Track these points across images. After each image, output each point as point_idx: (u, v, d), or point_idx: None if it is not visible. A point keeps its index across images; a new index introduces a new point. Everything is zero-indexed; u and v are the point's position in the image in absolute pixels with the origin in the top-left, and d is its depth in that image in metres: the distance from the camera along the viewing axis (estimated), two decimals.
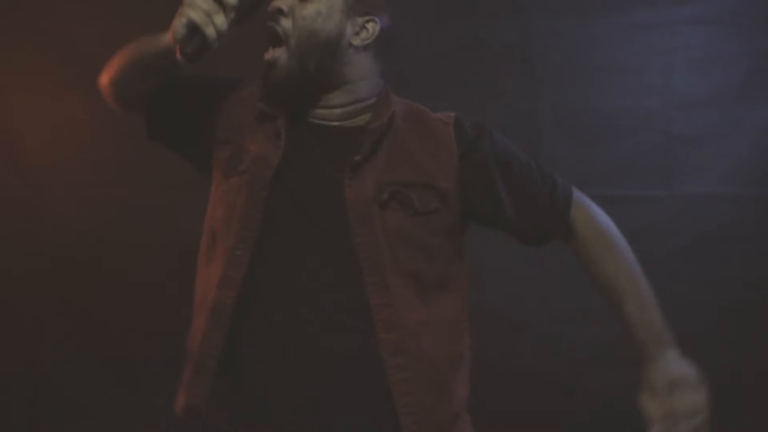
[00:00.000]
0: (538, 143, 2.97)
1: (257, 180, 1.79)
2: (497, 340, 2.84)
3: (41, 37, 3.07)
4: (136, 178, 3.09)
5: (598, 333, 2.95)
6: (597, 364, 2.96)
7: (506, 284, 2.96)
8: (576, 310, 2.94)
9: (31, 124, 3.10)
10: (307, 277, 1.75)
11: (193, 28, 1.74)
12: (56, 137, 3.10)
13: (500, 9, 2.98)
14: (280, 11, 1.79)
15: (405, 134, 1.85)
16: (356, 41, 1.82)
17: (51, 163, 3.10)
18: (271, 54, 1.82)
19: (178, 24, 1.75)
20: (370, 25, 1.84)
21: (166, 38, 1.81)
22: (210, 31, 1.74)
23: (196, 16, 1.73)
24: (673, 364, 1.93)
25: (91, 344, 3.09)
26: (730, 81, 2.93)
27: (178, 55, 1.74)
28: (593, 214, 2.03)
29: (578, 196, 2.02)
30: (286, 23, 1.80)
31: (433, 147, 1.83)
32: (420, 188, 1.79)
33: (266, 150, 1.81)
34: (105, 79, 2.08)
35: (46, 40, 3.07)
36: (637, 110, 2.96)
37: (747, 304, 2.92)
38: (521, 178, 1.89)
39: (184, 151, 2.03)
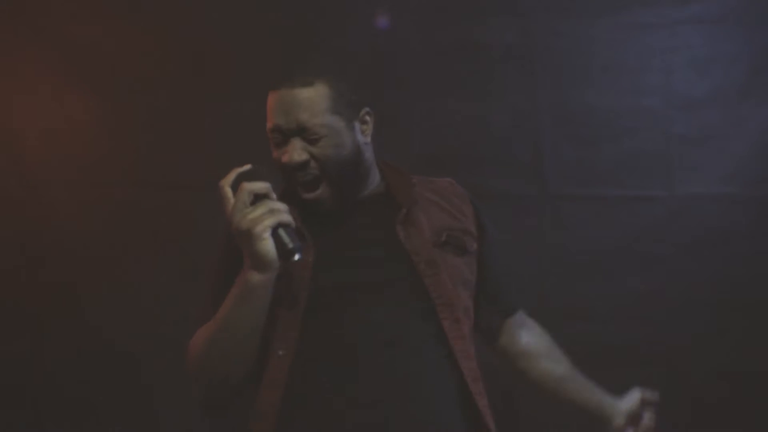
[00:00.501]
0: (538, 143, 2.97)
1: (297, 281, 1.85)
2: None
3: (41, 37, 3.07)
4: (136, 178, 3.09)
5: (598, 333, 2.95)
6: (597, 364, 2.96)
7: None
8: (576, 310, 2.94)
9: (31, 124, 3.10)
10: (373, 330, 1.82)
11: (273, 232, 1.73)
12: (56, 137, 3.09)
13: (500, 9, 2.98)
14: (305, 164, 1.88)
15: (425, 191, 2.04)
16: (367, 138, 1.96)
17: (51, 163, 3.10)
18: (313, 195, 1.90)
19: (263, 245, 1.72)
20: (367, 117, 1.97)
21: (250, 288, 1.76)
22: (288, 218, 1.75)
23: (269, 221, 1.72)
24: (624, 398, 2.17)
25: (91, 344, 3.09)
26: (730, 81, 2.92)
27: (290, 258, 1.74)
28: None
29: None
30: (314, 168, 1.88)
31: (453, 201, 2.04)
32: (461, 232, 2.00)
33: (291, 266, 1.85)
34: (204, 404, 1.98)
35: (46, 40, 3.07)
36: (637, 110, 2.96)
37: (747, 304, 2.92)
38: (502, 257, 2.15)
39: None
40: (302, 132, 1.86)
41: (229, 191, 1.77)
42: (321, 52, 1.96)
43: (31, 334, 3.12)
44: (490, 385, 2.03)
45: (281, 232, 1.72)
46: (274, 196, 1.76)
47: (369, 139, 1.96)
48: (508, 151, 2.98)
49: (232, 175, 1.78)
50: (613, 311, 2.95)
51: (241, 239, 1.73)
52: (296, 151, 1.85)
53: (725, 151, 2.92)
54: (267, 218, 1.71)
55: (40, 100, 3.09)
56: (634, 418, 2.02)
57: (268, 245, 1.71)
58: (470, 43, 2.99)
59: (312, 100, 1.86)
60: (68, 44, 3.07)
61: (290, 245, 1.72)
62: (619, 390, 2.94)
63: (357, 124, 1.92)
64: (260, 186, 1.75)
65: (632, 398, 2.05)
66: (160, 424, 3.09)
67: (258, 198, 1.74)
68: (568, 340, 2.92)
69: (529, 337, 2.16)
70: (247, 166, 1.79)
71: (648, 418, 2.03)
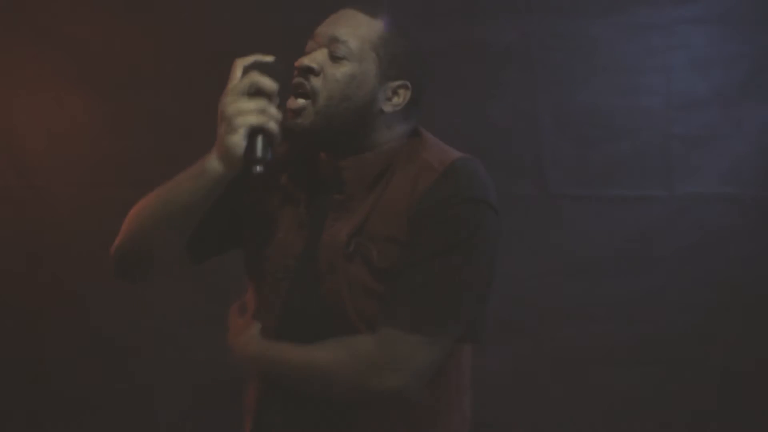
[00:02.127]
0: (538, 143, 2.97)
1: (280, 269, 1.76)
2: (497, 340, 2.84)
3: (41, 37, 3.07)
4: (136, 178, 3.09)
5: (598, 333, 2.95)
6: (597, 364, 2.96)
7: (506, 284, 2.95)
8: (576, 310, 2.94)
9: (32, 125, 3.10)
10: (304, 329, 1.73)
11: (253, 133, 1.62)
12: (56, 137, 3.10)
13: (500, 9, 2.98)
14: (311, 70, 1.70)
15: (395, 181, 1.72)
16: (387, 107, 1.72)
17: (51, 163, 3.10)
18: (294, 103, 1.70)
19: (235, 138, 1.62)
20: (401, 91, 1.73)
21: (204, 170, 1.68)
22: (272, 126, 1.62)
23: (253, 119, 1.62)
24: None
25: (92, 344, 3.09)
26: (730, 81, 2.92)
27: (257, 167, 1.61)
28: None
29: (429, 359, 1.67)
30: (316, 81, 1.69)
31: (407, 194, 1.68)
32: (384, 242, 1.67)
33: (289, 238, 1.76)
34: (116, 251, 1.84)
35: (46, 41, 3.07)
36: (637, 110, 2.96)
37: (747, 304, 2.92)
38: (420, 274, 1.64)
39: (228, 250, 1.91)
40: (331, 44, 1.70)
41: (239, 72, 1.67)
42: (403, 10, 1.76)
43: (31, 334, 3.12)
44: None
45: (259, 138, 1.62)
46: (276, 100, 1.65)
47: (390, 110, 1.72)
48: (508, 151, 2.97)
49: (251, 59, 1.69)
50: (613, 311, 2.95)
51: (221, 122, 1.66)
52: (313, 57, 1.70)
53: (725, 151, 2.92)
54: (253, 115, 1.61)
55: (41, 101, 3.10)
56: None
57: (238, 141, 1.62)
58: (470, 43, 2.99)
59: (362, 25, 1.71)
60: (69, 44, 3.07)
61: (258, 154, 1.61)
62: (620, 390, 2.95)
63: (390, 84, 1.71)
64: (266, 83, 1.64)
65: None
66: (160, 424, 3.09)
67: (259, 93, 1.64)
68: (568, 340, 2.94)
69: None
70: (270, 58, 1.69)
71: None
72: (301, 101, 1.70)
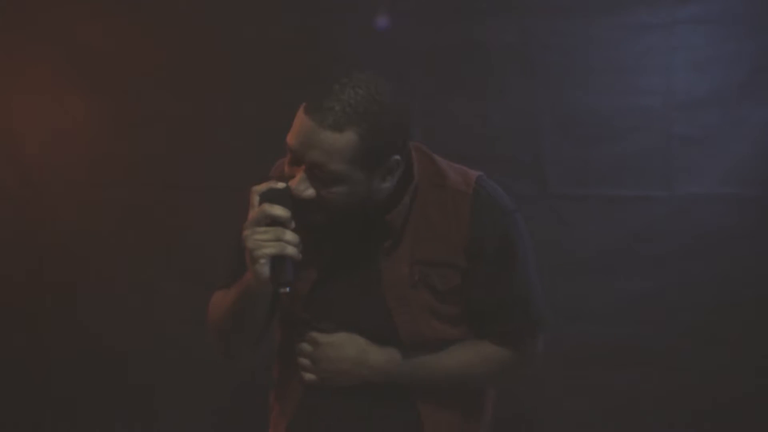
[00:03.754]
0: (538, 143, 2.97)
1: (294, 294, 1.87)
2: None
3: (41, 37, 3.07)
4: (136, 178, 3.09)
5: (598, 333, 2.95)
6: (597, 364, 2.96)
7: None
8: (576, 310, 2.94)
9: (32, 124, 3.10)
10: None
11: (275, 259, 1.74)
12: (56, 137, 3.10)
13: (500, 9, 2.97)
14: (310, 201, 1.77)
15: (428, 203, 1.88)
16: (387, 183, 1.81)
17: (51, 163, 3.10)
18: (312, 220, 1.80)
19: (258, 267, 1.74)
20: (394, 165, 1.80)
21: (246, 288, 1.82)
22: (291, 251, 1.74)
23: (270, 250, 1.73)
24: None
25: (91, 344, 3.09)
26: (730, 81, 2.92)
27: (279, 288, 1.77)
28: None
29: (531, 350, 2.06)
30: (319, 203, 1.77)
31: (450, 220, 1.87)
32: (441, 266, 1.87)
33: (306, 268, 1.86)
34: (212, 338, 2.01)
35: (46, 40, 3.07)
36: (637, 110, 2.96)
37: (747, 304, 2.92)
38: (500, 286, 1.93)
39: None
40: (316, 168, 1.74)
41: (256, 200, 1.76)
42: (363, 87, 1.73)
43: (30, 334, 3.12)
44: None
45: (281, 261, 1.74)
46: (292, 225, 1.74)
47: (394, 181, 1.82)
48: (508, 151, 2.97)
49: (264, 186, 1.77)
50: (613, 311, 2.95)
51: (246, 253, 1.76)
52: (304, 186, 1.75)
53: (725, 151, 2.92)
54: (271, 246, 1.72)
55: (41, 101, 3.10)
56: None
57: (262, 269, 1.73)
58: (470, 43, 2.99)
59: (335, 147, 1.70)
60: (68, 44, 3.07)
61: (281, 278, 1.74)
62: (620, 390, 2.95)
63: (381, 171, 1.78)
64: (279, 211, 1.73)
65: None
66: (160, 424, 3.09)
67: (275, 222, 1.73)
68: (568, 340, 2.93)
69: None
70: (282, 185, 1.76)
71: None
72: (314, 219, 1.80)
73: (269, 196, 1.75)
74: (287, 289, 1.75)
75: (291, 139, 1.75)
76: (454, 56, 2.99)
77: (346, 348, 1.88)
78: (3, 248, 3.11)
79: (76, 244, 3.09)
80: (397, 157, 1.78)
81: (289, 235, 1.73)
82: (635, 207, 2.95)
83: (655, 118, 2.94)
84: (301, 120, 1.73)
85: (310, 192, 1.75)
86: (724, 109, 2.92)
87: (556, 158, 2.97)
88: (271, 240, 1.72)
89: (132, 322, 3.08)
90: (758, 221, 2.92)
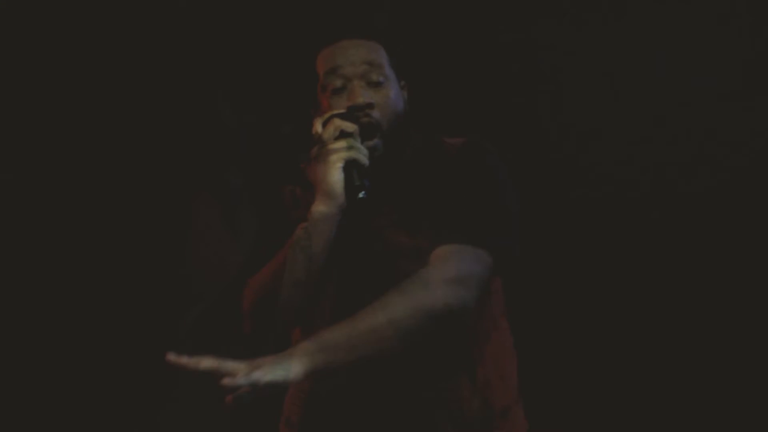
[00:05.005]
0: (538, 143, 2.98)
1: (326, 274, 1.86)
2: None
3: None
4: (136, 178, 3.10)
5: (598, 333, 2.96)
6: (597, 364, 2.97)
7: None
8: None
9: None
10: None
11: (347, 167, 1.80)
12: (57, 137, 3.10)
13: (500, 9, 2.98)
14: (370, 105, 1.87)
15: (420, 164, 1.94)
16: (407, 107, 1.98)
17: (54, 163, 3.10)
18: (371, 142, 1.87)
19: (334, 174, 1.79)
20: (405, 89, 2.00)
21: (311, 221, 1.81)
22: (363, 158, 1.80)
23: (345, 155, 1.80)
24: None
25: (91, 344, 3.10)
26: (730, 81, 2.93)
27: (355, 195, 1.79)
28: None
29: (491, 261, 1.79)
30: (376, 113, 1.88)
31: (441, 160, 1.94)
32: (421, 209, 1.87)
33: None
34: (248, 318, 1.94)
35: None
36: (637, 110, 2.96)
37: (746, 303, 2.92)
38: (470, 192, 1.86)
39: None
40: (367, 73, 1.90)
41: (320, 126, 1.84)
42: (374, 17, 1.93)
43: (31, 334, 3.13)
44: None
45: (354, 171, 1.79)
46: (359, 139, 1.82)
47: (407, 107, 1.98)
48: (508, 151, 2.97)
49: (327, 115, 1.85)
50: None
51: (317, 168, 1.81)
52: (360, 93, 1.87)
53: (725, 150, 2.93)
54: (345, 152, 1.78)
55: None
56: None
57: (337, 175, 1.78)
58: (470, 43, 2.99)
59: (373, 48, 1.92)
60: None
61: (357, 182, 1.78)
62: (620, 390, 2.96)
63: (403, 90, 1.98)
64: (348, 125, 1.82)
65: None
66: (160, 424, 3.10)
67: (343, 135, 1.81)
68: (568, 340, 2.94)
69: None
70: (343, 109, 1.86)
71: None
72: (373, 142, 1.87)
73: (335, 116, 1.84)
74: (363, 195, 1.78)
75: (328, 64, 1.91)
76: (455, 56, 2.99)
77: None
78: (3, 248, 3.12)
79: (75, 244, 3.10)
80: (403, 82, 1.98)
81: (359, 145, 1.81)
82: (635, 207, 2.95)
83: (655, 118, 2.95)
84: (329, 49, 1.92)
85: (368, 98, 1.87)
86: (724, 109, 2.93)
87: (556, 158, 2.98)
88: (345, 147, 1.79)
89: (132, 321, 3.08)
90: (758, 221, 2.92)
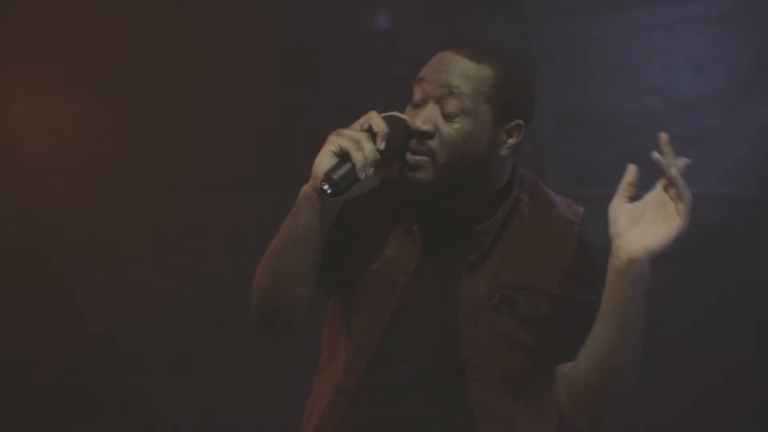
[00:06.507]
0: (538, 143, 2.97)
1: (390, 284, 1.76)
2: None
3: (42, 37, 3.07)
4: (137, 178, 3.09)
5: None
6: None
7: None
8: None
9: (31, 125, 3.10)
10: (414, 376, 1.75)
11: (342, 157, 1.64)
12: (56, 137, 3.10)
13: (500, 9, 2.98)
14: (426, 134, 1.69)
15: (527, 226, 1.79)
16: (503, 151, 1.74)
17: (52, 163, 3.10)
18: (413, 158, 1.70)
19: (324, 153, 1.64)
20: (516, 132, 1.74)
21: (298, 201, 1.69)
22: (359, 156, 1.62)
23: (344, 142, 1.63)
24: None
25: (91, 344, 3.09)
26: (730, 81, 2.93)
27: (324, 185, 1.62)
28: None
29: None
30: (432, 143, 1.69)
31: (552, 247, 1.79)
32: (530, 292, 1.75)
33: (401, 253, 1.76)
34: (254, 312, 1.82)
35: (46, 41, 3.07)
36: (637, 110, 2.96)
37: (747, 304, 2.92)
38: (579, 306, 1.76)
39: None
40: (443, 98, 1.68)
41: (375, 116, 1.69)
42: (503, 45, 1.76)
43: (31, 334, 3.12)
44: None
45: (346, 165, 1.63)
46: (382, 144, 1.65)
47: (506, 153, 1.74)
48: None
49: (388, 114, 1.70)
50: None
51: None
52: (425, 119, 1.69)
53: (725, 151, 2.92)
54: (344, 139, 1.63)
55: (40, 101, 3.10)
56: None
57: (323, 158, 1.64)
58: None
59: (470, 73, 1.68)
60: (69, 45, 3.07)
61: (334, 175, 1.62)
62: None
63: (505, 127, 1.72)
64: (378, 123, 1.65)
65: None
66: (160, 424, 3.09)
67: (368, 130, 1.66)
68: None
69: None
70: (403, 116, 1.71)
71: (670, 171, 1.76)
72: (419, 157, 1.69)
73: (385, 117, 1.69)
74: (327, 188, 1.62)
75: (423, 71, 1.73)
76: None
77: None
78: (3, 248, 3.12)
79: (75, 244, 3.09)
80: (521, 121, 1.73)
81: (369, 147, 1.64)
82: None
83: (655, 118, 2.94)
84: (438, 55, 1.73)
85: (429, 125, 1.68)
86: (724, 109, 2.92)
87: (556, 158, 2.97)
88: (351, 136, 1.64)
89: (132, 321, 3.08)
90: (758, 221, 2.92)
